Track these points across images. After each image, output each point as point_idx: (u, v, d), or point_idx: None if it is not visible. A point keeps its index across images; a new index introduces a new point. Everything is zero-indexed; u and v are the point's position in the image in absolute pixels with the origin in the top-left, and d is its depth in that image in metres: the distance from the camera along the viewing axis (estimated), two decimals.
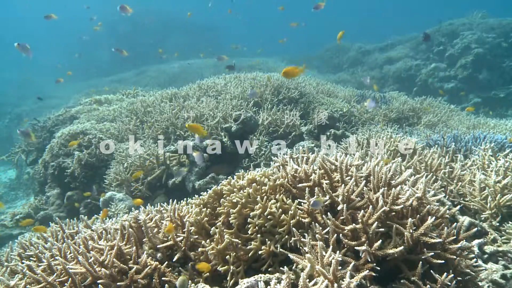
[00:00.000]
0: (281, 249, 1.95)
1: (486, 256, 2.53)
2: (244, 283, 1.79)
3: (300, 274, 1.66)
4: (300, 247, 1.90)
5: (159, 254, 2.18)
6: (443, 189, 3.12)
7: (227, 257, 2.01)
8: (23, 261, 2.36)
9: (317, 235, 1.88)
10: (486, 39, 11.79)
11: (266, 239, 2.00)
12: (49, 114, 8.19)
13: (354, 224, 1.86)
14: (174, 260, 2.12)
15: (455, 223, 1.98)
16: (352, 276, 1.65)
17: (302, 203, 2.08)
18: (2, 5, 37.62)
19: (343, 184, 2.05)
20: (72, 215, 4.75)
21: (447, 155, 3.55)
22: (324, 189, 2.03)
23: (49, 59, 26.67)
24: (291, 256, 1.85)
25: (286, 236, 1.98)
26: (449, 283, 1.71)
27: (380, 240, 1.79)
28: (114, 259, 2.03)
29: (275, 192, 2.22)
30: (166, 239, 2.22)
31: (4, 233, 5.87)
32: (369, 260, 1.74)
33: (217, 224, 2.15)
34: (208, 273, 2.07)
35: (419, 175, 2.49)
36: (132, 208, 4.17)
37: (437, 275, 1.74)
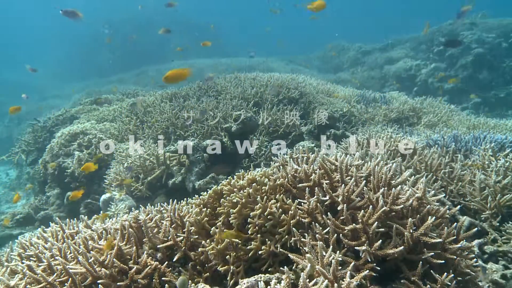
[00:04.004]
0: (281, 249, 1.95)
1: (486, 256, 2.53)
2: (244, 283, 1.79)
3: (300, 274, 1.66)
4: (300, 247, 1.90)
5: (159, 254, 2.18)
6: (443, 189, 3.12)
7: (227, 257, 2.01)
8: (23, 261, 2.36)
9: (317, 235, 1.88)
10: (486, 39, 11.79)
11: (266, 239, 2.00)
12: (49, 114, 8.19)
13: (354, 224, 1.86)
14: (174, 260, 2.12)
15: (455, 223, 1.98)
16: (352, 276, 1.65)
17: (302, 203, 2.08)
18: (1, 6, 37.62)
19: (343, 184, 2.05)
20: (72, 215, 4.74)
21: (447, 155, 3.55)
22: (324, 189, 2.03)
23: (48, 59, 26.69)
24: (291, 256, 1.85)
25: (286, 236, 1.98)
26: (449, 283, 1.71)
27: (380, 240, 1.79)
28: (114, 259, 2.03)
29: (275, 192, 2.22)
30: (166, 239, 2.22)
31: (4, 233, 5.87)
32: (369, 260, 1.74)
33: (217, 224, 2.15)
34: (208, 273, 2.07)
35: (419, 175, 2.49)
36: (132, 208, 4.17)
37: (437, 275, 1.74)
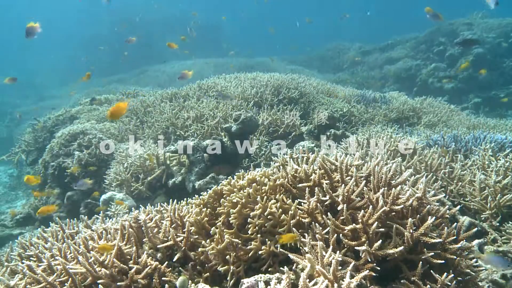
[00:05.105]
0: (281, 249, 1.95)
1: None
2: (244, 283, 1.79)
3: (300, 274, 1.66)
4: (300, 247, 1.90)
5: (159, 254, 2.18)
6: (443, 189, 3.13)
7: (227, 257, 2.01)
8: (23, 261, 2.36)
9: (317, 235, 1.88)
10: (486, 39, 11.80)
11: (266, 239, 2.00)
12: (49, 114, 8.19)
13: (354, 224, 1.86)
14: (174, 260, 2.12)
15: (455, 223, 1.98)
16: (352, 276, 1.64)
17: (302, 203, 2.08)
18: (2, 6, 37.60)
19: (343, 184, 2.05)
20: (72, 215, 4.75)
21: (447, 155, 3.55)
22: (324, 189, 2.03)
23: (48, 59, 26.69)
24: (291, 256, 1.85)
25: None
26: (449, 283, 1.71)
27: (380, 240, 1.79)
28: (114, 259, 2.03)
29: (275, 192, 2.21)
30: (166, 239, 2.22)
31: (4, 233, 5.87)
32: (369, 260, 1.74)
33: (217, 224, 2.15)
34: (208, 273, 2.07)
35: (419, 175, 2.49)
36: (132, 208, 4.17)
37: (437, 275, 1.74)
